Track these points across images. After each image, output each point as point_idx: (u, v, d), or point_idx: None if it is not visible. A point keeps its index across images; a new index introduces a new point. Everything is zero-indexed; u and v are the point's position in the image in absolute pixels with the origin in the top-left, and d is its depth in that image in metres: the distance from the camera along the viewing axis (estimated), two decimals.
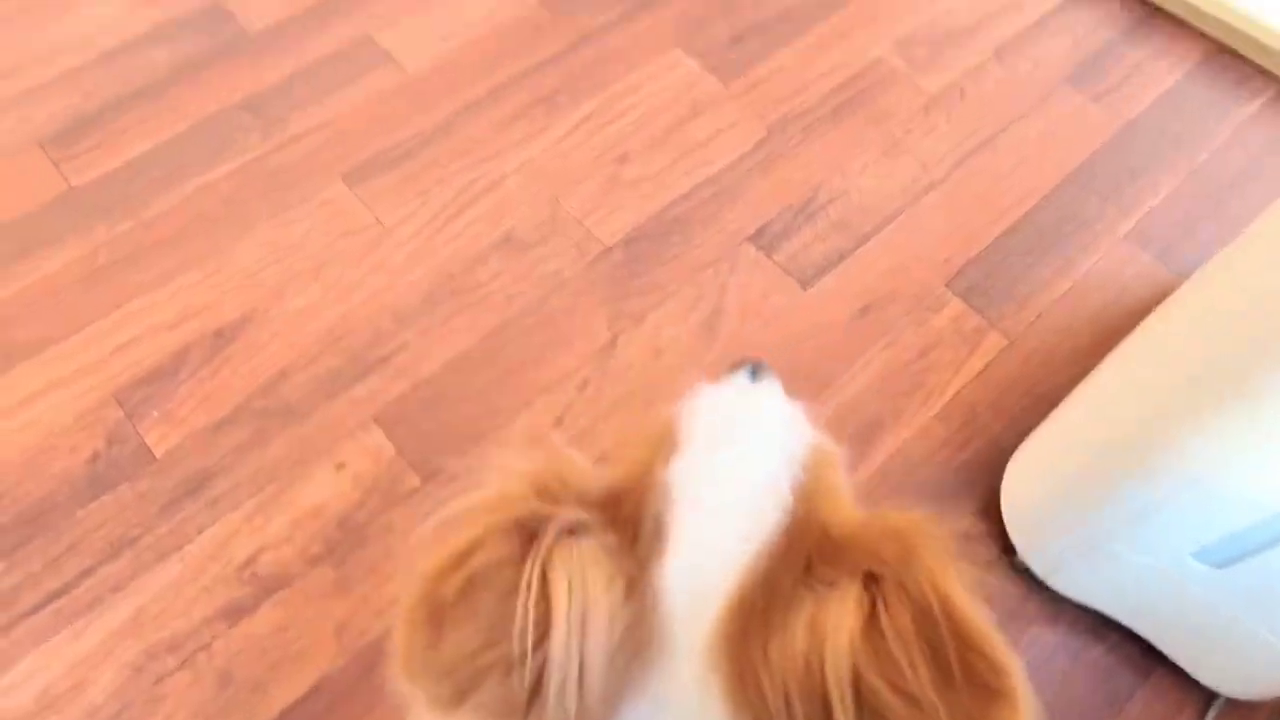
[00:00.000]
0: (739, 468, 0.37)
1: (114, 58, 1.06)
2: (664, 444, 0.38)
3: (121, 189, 0.96)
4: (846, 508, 0.37)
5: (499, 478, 0.34)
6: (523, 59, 1.07)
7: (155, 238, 0.93)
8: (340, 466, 0.80)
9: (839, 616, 0.30)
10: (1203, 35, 1.10)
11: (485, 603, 0.30)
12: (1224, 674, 0.70)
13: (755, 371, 0.45)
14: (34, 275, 0.90)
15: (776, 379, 0.45)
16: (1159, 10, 1.12)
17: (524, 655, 0.29)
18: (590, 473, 0.36)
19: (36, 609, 0.73)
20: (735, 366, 0.45)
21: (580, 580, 0.31)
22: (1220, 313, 0.63)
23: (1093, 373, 0.77)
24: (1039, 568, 0.73)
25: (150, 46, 1.07)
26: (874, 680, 0.29)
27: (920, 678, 0.28)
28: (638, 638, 0.32)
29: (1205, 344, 0.62)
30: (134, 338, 0.86)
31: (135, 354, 0.85)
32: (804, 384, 0.85)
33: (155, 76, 1.04)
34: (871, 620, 0.30)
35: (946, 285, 0.92)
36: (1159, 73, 1.07)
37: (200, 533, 0.76)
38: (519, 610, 0.29)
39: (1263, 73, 1.07)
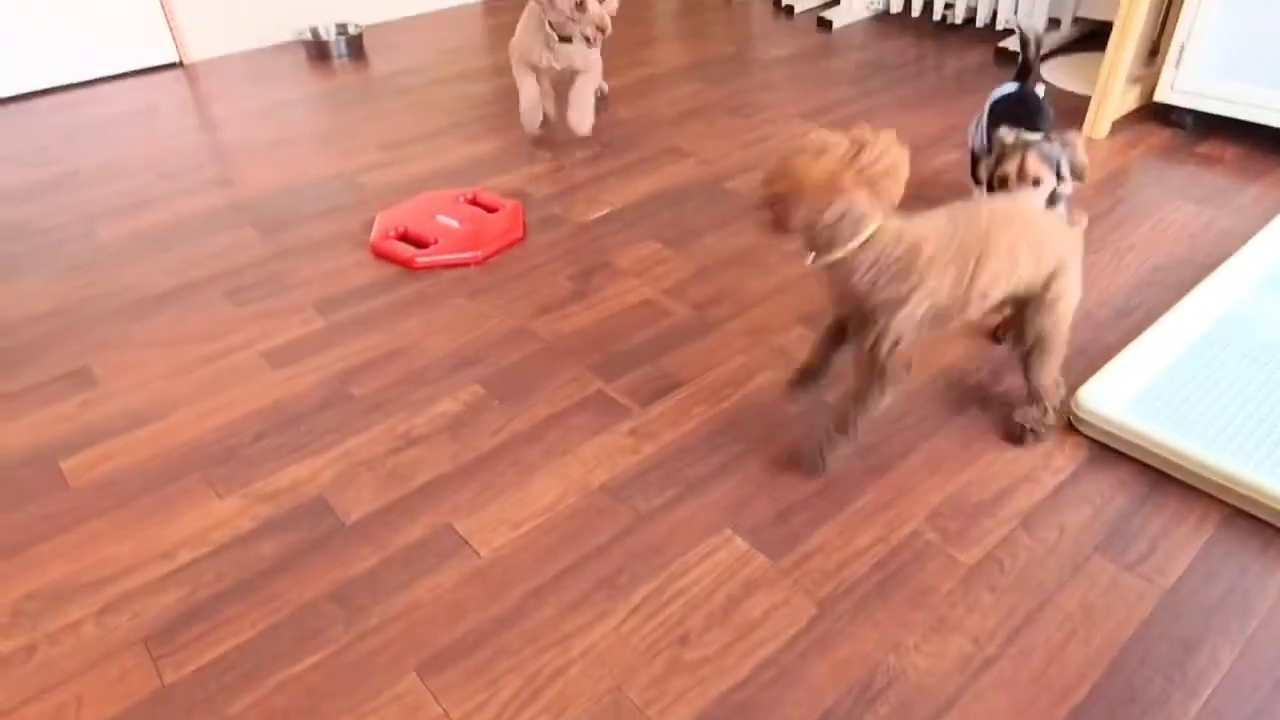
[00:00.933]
0: None
1: (225, 551, 1.19)
2: None
3: (210, 685, 1.02)
4: None
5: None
6: (586, 543, 1.18)
7: None
8: None
9: None
10: (1215, 499, 1.18)
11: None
12: None
13: None
14: None
15: None
16: (1167, 476, 1.22)
17: None
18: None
19: None
20: None
21: None
22: None
23: None
24: None
25: (259, 541, 1.21)
26: None
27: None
28: None
29: None
30: None
31: None
32: None
33: (259, 569, 1.16)
34: None
35: None
36: (1184, 538, 1.14)
37: None
38: None
39: None
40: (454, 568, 1.15)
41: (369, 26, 3.37)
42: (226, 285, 1.80)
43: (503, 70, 2.95)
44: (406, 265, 1.84)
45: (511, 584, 1.12)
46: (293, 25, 3.24)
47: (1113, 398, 1.31)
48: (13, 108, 2.81)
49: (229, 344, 1.62)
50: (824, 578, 1.11)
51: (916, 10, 3.18)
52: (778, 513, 1.21)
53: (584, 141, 2.36)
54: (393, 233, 1.93)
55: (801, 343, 1.54)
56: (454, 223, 1.95)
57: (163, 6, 2.98)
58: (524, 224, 1.97)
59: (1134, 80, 2.29)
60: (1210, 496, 1.19)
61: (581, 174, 2.21)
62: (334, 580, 1.14)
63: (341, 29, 3.21)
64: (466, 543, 1.19)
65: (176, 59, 3.09)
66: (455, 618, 1.09)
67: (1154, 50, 2.35)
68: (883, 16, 3.27)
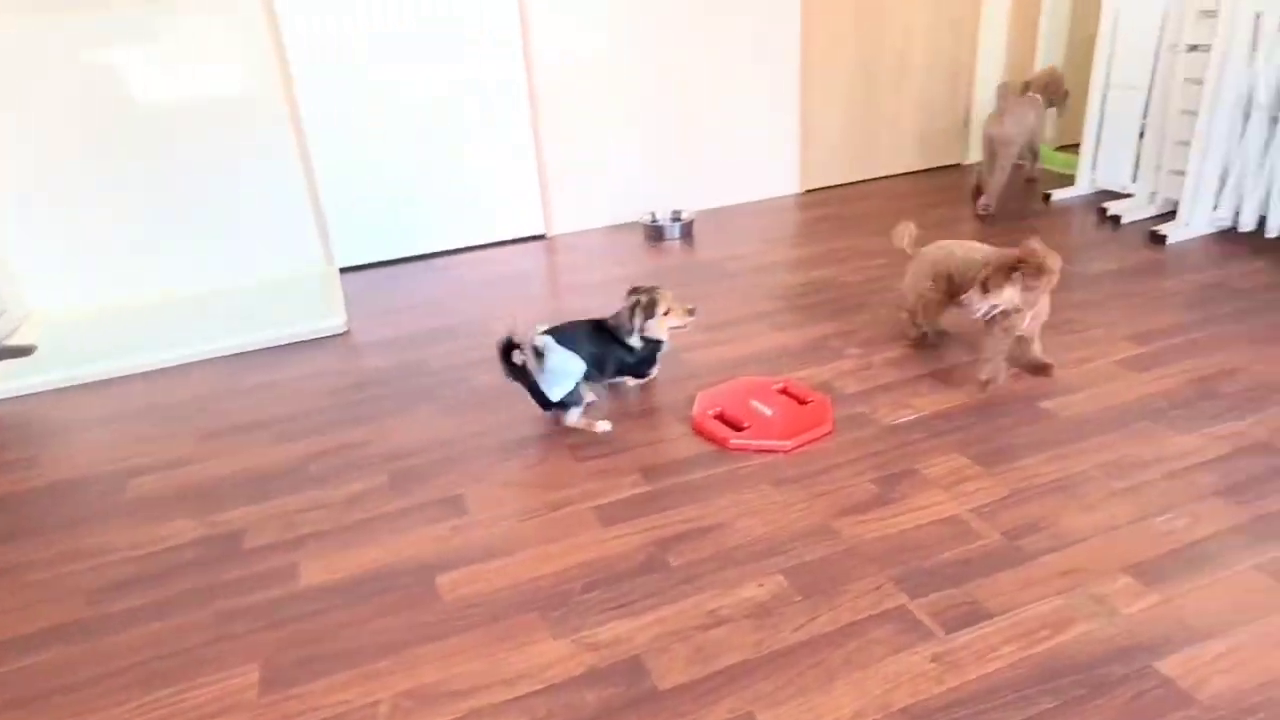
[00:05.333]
0: None
1: (556, 691, 1.36)
2: None
3: None
4: None
5: None
6: None
7: None
8: None
9: None
10: None
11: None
12: None
13: None
14: None
15: None
16: None
17: None
18: None
19: None
20: None
21: None
22: None
23: None
24: None
25: (584, 688, 1.36)
26: None
27: None
28: None
29: None
30: None
31: None
32: None
33: (583, 714, 1.31)
34: None
35: None
36: None
37: None
38: None
39: None
40: None
41: (700, 212, 3.83)
42: (573, 440, 2.10)
43: (812, 262, 3.18)
44: (721, 445, 2.02)
45: None
46: (635, 209, 3.77)
47: None
48: (433, 262, 3.53)
49: (568, 495, 1.88)
50: None
51: (1274, 230, 2.94)
52: None
53: (891, 341, 2.46)
54: (712, 411, 2.14)
55: (1127, 593, 1.46)
56: (767, 410, 2.11)
57: (541, 188, 3.64)
58: (833, 419, 2.08)
59: None
60: None
61: (888, 375, 2.30)
62: None
63: (676, 215, 3.68)
64: None
65: (544, 231, 3.73)
66: None
67: None
68: (1229, 233, 3.08)
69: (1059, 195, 3.68)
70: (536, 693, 1.36)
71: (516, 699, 1.35)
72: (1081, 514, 1.68)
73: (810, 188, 4.13)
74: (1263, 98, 2.83)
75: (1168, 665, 1.31)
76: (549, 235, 3.73)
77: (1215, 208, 3.07)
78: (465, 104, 3.42)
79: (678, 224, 3.60)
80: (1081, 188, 3.70)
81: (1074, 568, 1.54)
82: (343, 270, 3.44)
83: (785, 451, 1.98)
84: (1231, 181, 3.01)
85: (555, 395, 2.06)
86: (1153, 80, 3.29)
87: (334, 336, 2.86)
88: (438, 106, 3.39)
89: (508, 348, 2.03)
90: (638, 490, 1.88)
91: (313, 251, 3.42)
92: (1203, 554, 1.54)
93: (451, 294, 3.17)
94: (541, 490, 1.91)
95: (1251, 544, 1.55)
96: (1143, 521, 1.64)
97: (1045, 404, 2.09)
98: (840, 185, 4.18)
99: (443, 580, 1.64)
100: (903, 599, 1.50)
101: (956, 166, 4.36)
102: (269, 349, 2.80)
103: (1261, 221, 2.98)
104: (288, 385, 2.53)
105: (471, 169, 3.52)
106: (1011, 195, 3.68)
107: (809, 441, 2.01)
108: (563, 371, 2.07)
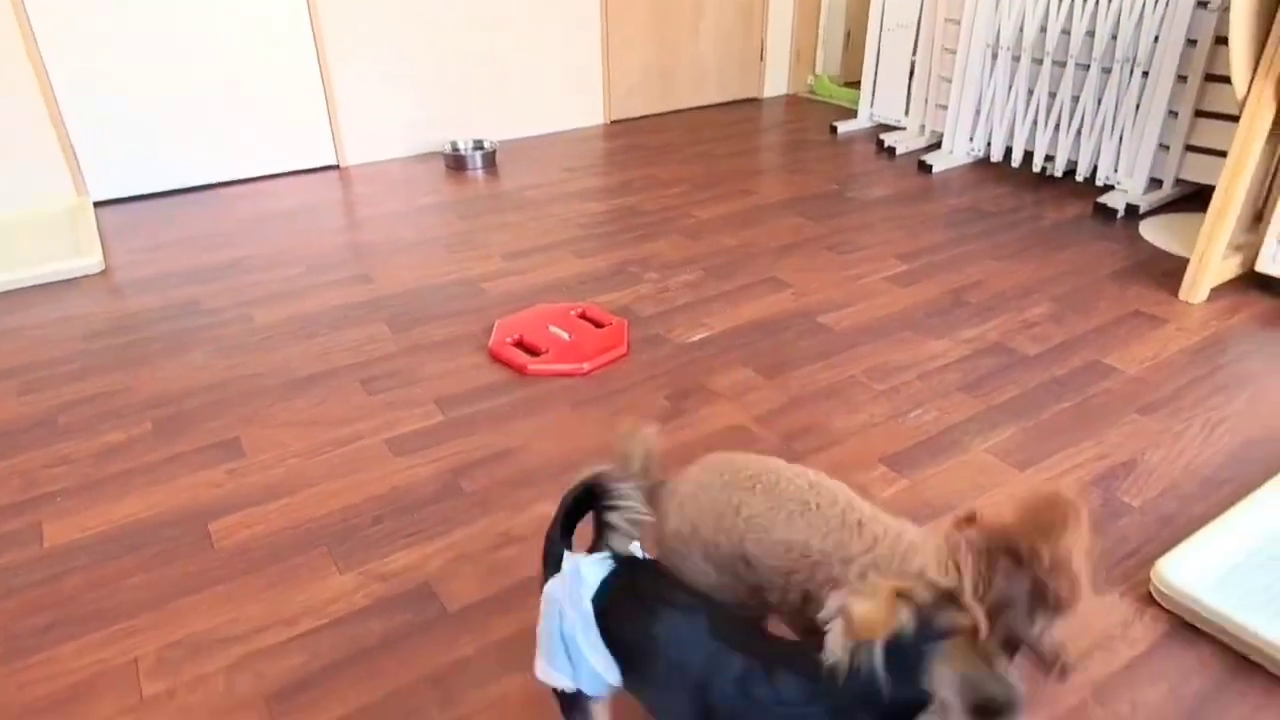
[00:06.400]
0: None
1: (341, 624, 1.32)
2: None
3: None
4: None
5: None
6: None
7: None
8: None
9: None
10: None
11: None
12: None
13: None
14: None
15: None
16: (1250, 662, 1.22)
17: None
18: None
19: None
20: None
21: None
22: None
23: None
24: None
25: (370, 618, 1.33)
26: None
27: None
28: None
29: None
30: None
31: None
32: None
33: (368, 645, 1.29)
34: None
35: None
36: None
37: None
38: None
39: None
40: None
41: (502, 143, 3.72)
42: (361, 374, 2.01)
43: (613, 191, 3.20)
44: (519, 371, 2.01)
45: None
46: (436, 138, 3.61)
47: (1195, 572, 1.32)
48: (206, 195, 3.21)
49: (358, 430, 1.81)
50: None
51: (1017, 160, 3.30)
52: None
53: (688, 265, 2.53)
54: (509, 339, 2.11)
55: (882, 481, 1.61)
56: (565, 335, 2.12)
57: (330, 116, 3.38)
58: (628, 341, 2.12)
59: (1235, 248, 2.32)
60: None
61: (684, 297, 2.37)
62: (434, 665, 1.25)
63: (478, 144, 3.56)
64: None
65: (335, 162, 3.48)
66: (545, 714, 1.17)
67: (1258, 216, 2.39)
68: (983, 163, 3.40)
69: (844, 128, 3.90)
70: (319, 628, 1.32)
71: (297, 637, 1.30)
72: (848, 415, 1.83)
73: (615, 119, 4.13)
74: (1006, 40, 3.12)
75: None
76: (342, 165, 3.50)
77: (971, 139, 3.38)
78: (237, 22, 3.09)
79: (480, 153, 3.48)
80: (863, 121, 3.95)
81: (839, 462, 1.68)
82: (100, 204, 3.05)
83: (583, 374, 2.00)
84: (983, 116, 3.32)
85: (539, 670, 0.98)
86: (920, 19, 3.54)
87: (89, 276, 2.55)
88: (206, 21, 3.04)
89: (580, 504, 1.02)
90: (432, 421, 1.83)
91: (58, 182, 3.01)
92: (945, 443, 1.73)
93: (228, 229, 2.90)
94: (328, 427, 1.82)
95: (983, 430, 1.76)
96: (897, 418, 1.81)
97: (822, 319, 2.24)
98: (644, 117, 4.20)
99: (216, 527, 1.53)
100: None
101: (755, 100, 4.51)
102: (10, 292, 2.45)
103: (1008, 152, 3.32)
104: (33, 332, 2.23)
105: (248, 92, 3.21)
106: (803, 127, 3.86)
107: (606, 363, 2.04)
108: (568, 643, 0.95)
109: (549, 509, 1.54)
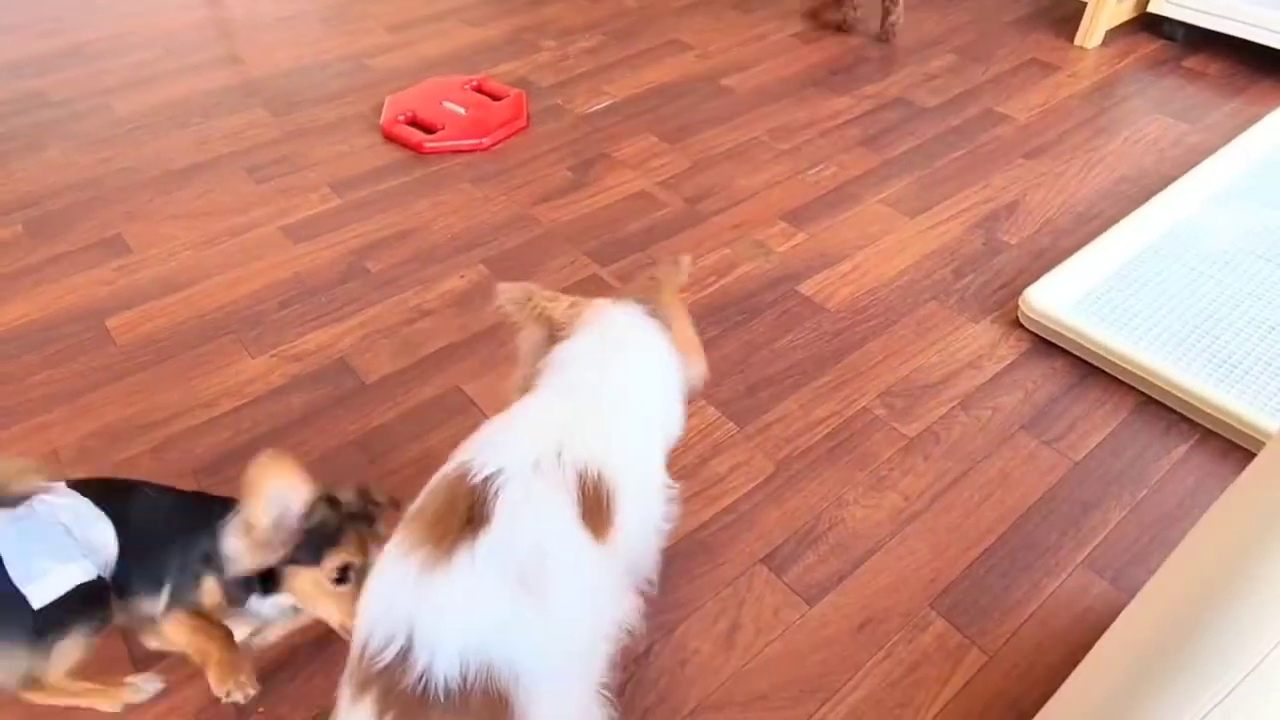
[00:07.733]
0: None
1: (260, 403, 1.35)
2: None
3: None
4: None
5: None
6: None
7: None
8: None
9: None
10: (1133, 389, 1.34)
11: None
12: None
13: None
14: None
15: None
16: (1094, 369, 1.38)
17: None
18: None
19: None
20: None
21: None
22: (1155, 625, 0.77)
23: (1061, 688, 0.90)
24: None
25: (289, 395, 1.37)
26: None
27: None
28: None
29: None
30: None
31: None
32: (810, 694, 0.99)
33: (290, 419, 1.33)
34: None
35: (931, 605, 1.08)
36: (1100, 420, 1.30)
37: None
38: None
39: (1186, 420, 1.30)
40: (462, 423, 1.32)
41: None
42: (245, 163, 1.90)
43: None
44: (415, 149, 1.93)
45: None
46: None
47: (1058, 298, 1.45)
48: None
49: (251, 219, 1.74)
50: (783, 442, 1.28)
51: None
52: (747, 387, 1.37)
53: (588, 31, 2.40)
54: (402, 117, 2.01)
55: (781, 236, 1.67)
56: (460, 110, 2.02)
57: None
58: (528, 113, 2.04)
59: None
60: (1129, 387, 1.35)
61: (585, 64, 2.26)
62: (357, 430, 1.31)
63: None
64: (473, 403, 1.35)
65: None
66: None
67: None
68: None
69: None
70: (240, 407, 1.35)
71: (218, 417, 1.33)
72: (750, 175, 1.85)
73: None
74: None
75: (806, 286, 1.55)
76: None
77: None
78: None
79: None
80: None
81: (740, 222, 1.72)
82: None
83: (483, 149, 1.94)
84: None
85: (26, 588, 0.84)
86: None
87: None
88: None
89: None
90: (329, 205, 1.78)
91: None
92: (842, 196, 1.78)
93: (54, 10, 2.57)
94: (219, 217, 1.74)
95: (878, 183, 1.81)
96: (798, 175, 1.84)
97: (726, 81, 2.18)
98: None
99: (114, 323, 1.50)
100: (595, 268, 1.61)
101: None
102: None
103: None
104: None
105: None
106: None
107: (505, 137, 1.97)
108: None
109: (457, 285, 1.58)
